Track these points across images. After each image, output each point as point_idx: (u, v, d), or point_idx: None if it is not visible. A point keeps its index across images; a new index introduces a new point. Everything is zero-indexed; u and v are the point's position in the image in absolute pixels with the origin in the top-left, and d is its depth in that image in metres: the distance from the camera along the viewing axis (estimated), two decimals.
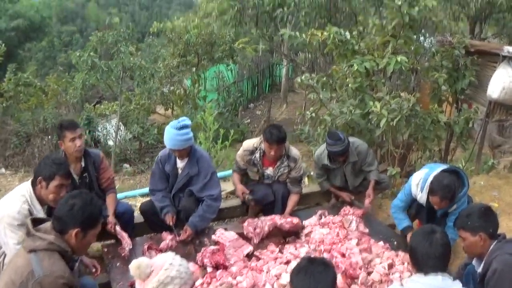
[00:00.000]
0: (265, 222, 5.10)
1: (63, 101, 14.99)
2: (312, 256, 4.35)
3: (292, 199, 5.60)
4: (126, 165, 13.67)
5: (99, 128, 14.61)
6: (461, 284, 2.92)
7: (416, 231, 3.24)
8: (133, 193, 7.38)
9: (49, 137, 13.61)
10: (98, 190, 5.00)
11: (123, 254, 4.69)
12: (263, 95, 21.31)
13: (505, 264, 3.30)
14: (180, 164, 5.18)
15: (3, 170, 11.78)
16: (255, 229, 5.03)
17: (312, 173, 7.37)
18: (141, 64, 13.35)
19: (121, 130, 14.69)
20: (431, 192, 4.55)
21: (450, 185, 4.45)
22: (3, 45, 12.02)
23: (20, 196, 3.93)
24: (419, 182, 4.82)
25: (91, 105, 16.66)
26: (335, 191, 6.07)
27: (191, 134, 5.00)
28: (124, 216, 5.03)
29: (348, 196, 5.91)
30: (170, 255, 3.24)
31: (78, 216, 3.09)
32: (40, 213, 3.94)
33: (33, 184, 3.98)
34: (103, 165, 5.05)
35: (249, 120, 17.50)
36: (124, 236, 4.77)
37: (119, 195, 7.41)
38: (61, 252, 3.08)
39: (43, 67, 29.89)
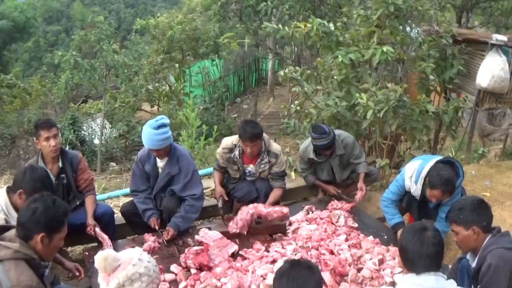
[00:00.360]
0: (246, 211, 4.92)
1: (47, 101, 14.77)
2: (298, 256, 4.26)
3: (274, 193, 5.41)
4: (113, 164, 13.53)
5: (84, 127, 14.42)
6: (455, 284, 2.75)
7: (406, 228, 3.05)
8: (115, 193, 7.22)
9: (34, 138, 13.38)
10: (76, 191, 4.87)
11: None
12: (250, 89, 21.27)
13: (500, 259, 3.17)
14: (160, 163, 5.02)
15: None
16: (237, 224, 4.88)
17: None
18: (124, 62, 13.18)
19: (106, 129, 14.53)
20: (431, 186, 4.40)
21: (451, 178, 4.35)
22: None
23: None
24: (413, 174, 4.69)
25: (76, 104, 16.48)
26: (320, 184, 5.92)
27: (170, 133, 4.84)
28: (103, 218, 4.88)
29: (334, 189, 5.78)
30: (138, 250, 3.03)
31: (41, 221, 2.96)
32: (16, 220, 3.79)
33: (8, 191, 3.85)
34: (81, 165, 4.90)
35: (236, 115, 17.37)
36: (104, 238, 4.63)
37: (103, 196, 7.28)
38: (28, 259, 2.96)
39: (30, 67, 29.65)
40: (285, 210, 5.02)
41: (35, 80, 14.85)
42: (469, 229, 3.36)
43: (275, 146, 5.48)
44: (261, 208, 4.94)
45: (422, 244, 2.74)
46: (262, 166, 5.39)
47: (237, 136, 5.44)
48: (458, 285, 3.28)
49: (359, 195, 5.48)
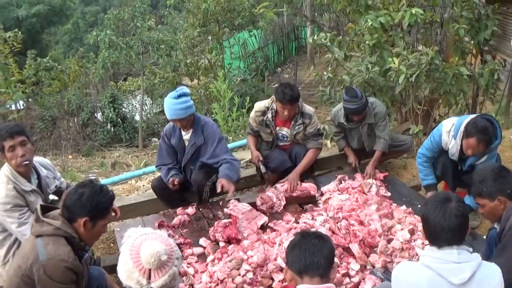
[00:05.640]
0: (281, 196, 4.95)
1: (87, 81, 14.97)
2: (326, 227, 4.18)
3: (308, 156, 5.32)
4: (155, 139, 13.68)
5: (125, 105, 14.60)
6: (480, 258, 2.59)
7: (429, 199, 2.89)
8: (150, 169, 7.26)
9: (75, 118, 13.66)
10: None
11: None
12: (290, 58, 21.01)
13: None
14: (186, 135, 5.01)
15: None
16: (272, 207, 4.87)
17: None
18: (159, 38, 13.23)
19: (146, 105, 14.66)
20: (467, 134, 4.22)
21: (487, 128, 4.16)
22: (20, 32, 11.97)
23: (2, 177, 3.87)
24: (451, 129, 4.49)
25: (118, 82, 16.66)
26: (347, 151, 5.80)
27: (191, 102, 4.80)
28: None
29: (353, 160, 5.66)
30: (168, 238, 3.01)
31: (87, 205, 3.04)
32: (26, 186, 3.89)
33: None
34: None
35: (276, 85, 17.19)
36: None
37: (138, 171, 7.34)
38: (68, 238, 3.04)
39: (71, 49, 30.00)
40: (312, 192, 5.01)
41: (72, 61, 15.00)
42: (495, 199, 3.20)
43: (308, 107, 5.42)
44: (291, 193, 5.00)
45: (444, 216, 2.57)
46: (297, 128, 5.31)
47: (269, 99, 5.41)
48: (487, 256, 3.16)
49: (366, 178, 5.26)
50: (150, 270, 2.83)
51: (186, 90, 4.82)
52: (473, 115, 4.42)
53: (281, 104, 5.12)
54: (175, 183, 4.92)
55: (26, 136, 3.90)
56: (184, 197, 5.11)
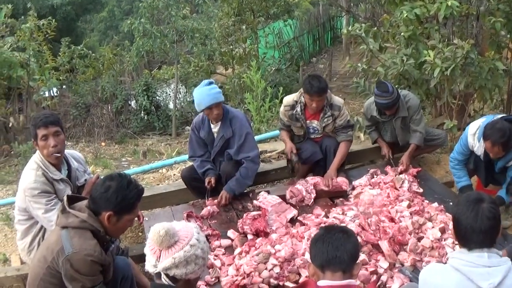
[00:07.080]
0: (310, 188, 4.92)
1: (120, 70, 15.05)
2: (356, 223, 4.13)
3: (340, 150, 5.28)
4: (188, 127, 13.71)
5: (159, 93, 14.65)
6: (510, 262, 2.50)
7: (461, 199, 2.79)
8: (182, 158, 7.27)
9: (109, 105, 13.76)
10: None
11: None
12: (325, 49, 20.80)
13: None
14: (215, 128, 5.03)
15: None
16: (302, 201, 4.85)
17: None
18: (194, 27, 13.24)
19: (180, 93, 14.70)
20: (484, 138, 4.18)
21: (503, 129, 4.05)
22: (54, 20, 12.06)
23: (32, 164, 3.92)
24: (476, 132, 4.43)
25: (153, 70, 16.72)
26: (380, 142, 5.73)
27: (220, 90, 4.87)
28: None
29: (386, 151, 5.57)
30: (195, 228, 2.97)
31: (112, 199, 3.02)
32: (55, 174, 3.92)
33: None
34: None
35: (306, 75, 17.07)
36: None
37: (169, 161, 7.36)
38: (94, 231, 3.05)
39: (106, 37, 30.14)
40: (344, 186, 4.98)
41: (106, 49, 15.08)
42: None
43: (337, 99, 5.38)
44: (322, 187, 4.98)
45: (476, 218, 2.48)
46: (326, 120, 5.28)
47: (297, 93, 5.38)
48: None
49: (400, 169, 5.21)
50: (161, 251, 2.80)
51: (212, 81, 4.93)
52: (498, 116, 4.34)
53: (309, 96, 5.10)
54: (213, 184, 4.98)
55: (60, 127, 3.95)
56: (214, 188, 5.09)
